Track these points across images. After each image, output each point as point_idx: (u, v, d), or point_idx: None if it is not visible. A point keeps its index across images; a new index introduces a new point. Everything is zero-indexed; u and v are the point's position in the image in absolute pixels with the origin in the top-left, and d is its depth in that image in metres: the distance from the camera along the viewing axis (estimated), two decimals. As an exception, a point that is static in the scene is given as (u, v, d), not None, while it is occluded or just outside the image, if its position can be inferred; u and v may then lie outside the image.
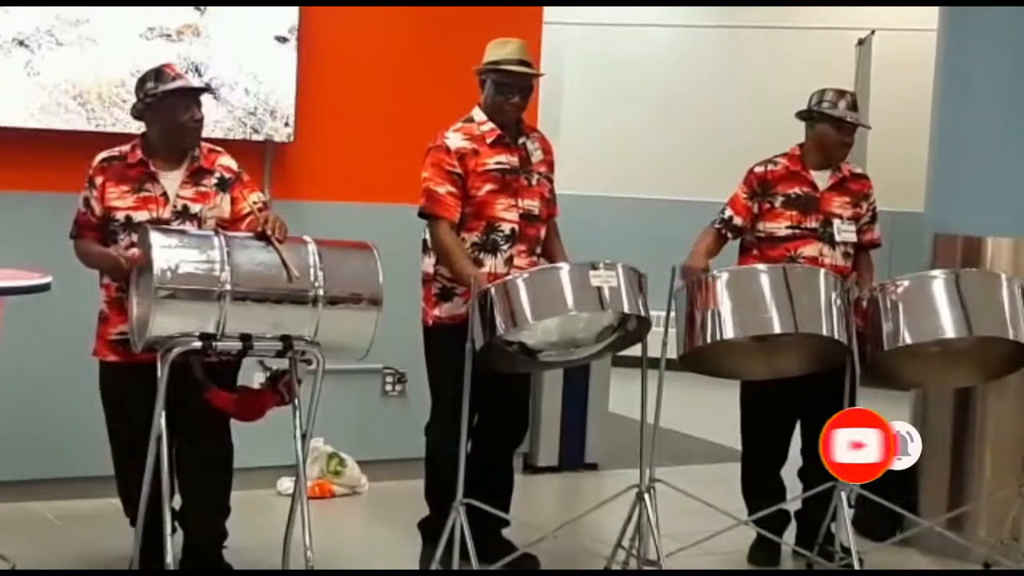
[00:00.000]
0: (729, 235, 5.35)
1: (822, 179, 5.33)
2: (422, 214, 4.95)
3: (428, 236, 4.97)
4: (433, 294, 4.97)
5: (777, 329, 4.83)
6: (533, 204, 5.00)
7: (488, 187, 4.92)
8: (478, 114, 5.02)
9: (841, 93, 5.34)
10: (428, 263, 5.00)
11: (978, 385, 5.47)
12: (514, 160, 4.98)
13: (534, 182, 5.02)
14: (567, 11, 9.60)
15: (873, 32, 9.19)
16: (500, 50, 4.97)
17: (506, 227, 4.93)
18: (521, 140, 5.04)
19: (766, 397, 5.32)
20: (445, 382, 4.97)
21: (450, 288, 4.92)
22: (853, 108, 5.30)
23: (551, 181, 5.13)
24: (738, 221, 5.33)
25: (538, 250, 5.03)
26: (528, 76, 4.98)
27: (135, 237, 4.50)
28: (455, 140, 4.95)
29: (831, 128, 5.29)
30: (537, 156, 5.07)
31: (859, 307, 4.98)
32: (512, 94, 4.94)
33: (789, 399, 5.33)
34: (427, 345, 5.07)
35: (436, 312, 4.97)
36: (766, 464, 5.45)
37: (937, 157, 5.89)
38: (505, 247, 4.92)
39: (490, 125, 4.97)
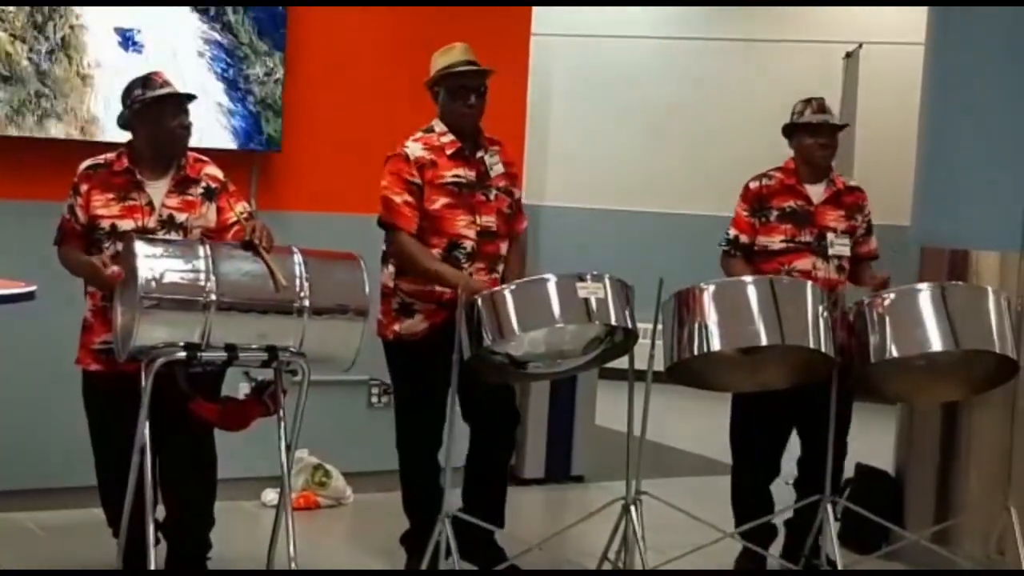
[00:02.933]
0: (738, 254, 5.34)
1: (816, 193, 5.34)
2: (380, 224, 4.92)
3: (387, 247, 4.93)
4: (393, 308, 4.94)
5: (764, 341, 4.82)
6: (491, 220, 4.96)
7: (443, 200, 4.87)
8: (438, 124, 4.98)
9: (807, 101, 5.37)
10: (387, 275, 4.95)
11: (964, 399, 5.47)
12: (471, 175, 4.94)
13: (492, 197, 4.98)
14: (555, 23, 9.62)
15: (860, 45, 9.21)
16: (445, 57, 4.95)
17: (467, 244, 4.90)
18: (480, 154, 4.99)
19: (757, 409, 5.30)
20: (409, 396, 4.97)
21: (409, 303, 4.90)
22: (820, 111, 5.33)
23: (512, 195, 5.07)
24: (744, 239, 5.33)
25: (499, 267, 4.99)
26: (481, 75, 4.93)
27: (120, 246, 4.48)
28: (415, 149, 4.92)
29: (805, 135, 5.33)
30: (497, 170, 5.02)
31: (844, 320, 4.98)
32: (468, 95, 4.91)
33: (781, 412, 5.31)
34: (389, 359, 5.05)
35: (396, 327, 4.93)
36: (756, 476, 5.44)
37: (924, 170, 5.90)
38: (466, 265, 4.88)
39: (450, 137, 4.94)
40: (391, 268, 4.94)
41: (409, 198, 4.86)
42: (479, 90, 4.93)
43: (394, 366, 5.05)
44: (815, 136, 5.31)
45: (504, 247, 5.01)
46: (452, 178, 4.90)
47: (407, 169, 4.88)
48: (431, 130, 4.97)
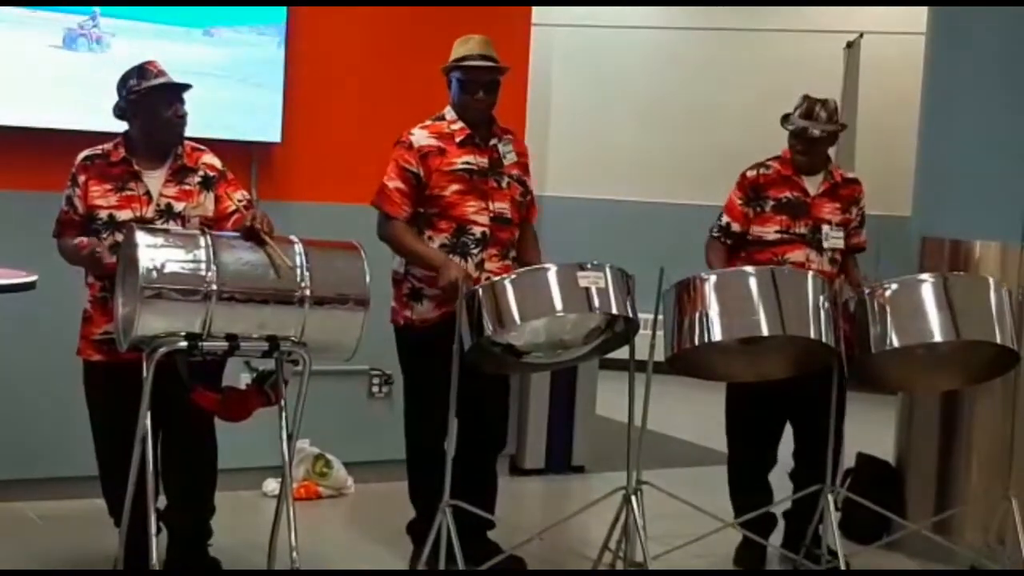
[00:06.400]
0: (728, 242, 5.34)
1: (813, 184, 5.34)
2: (374, 204, 4.97)
3: (377, 230, 4.95)
4: (404, 295, 4.96)
5: (764, 332, 4.81)
6: (504, 207, 4.97)
7: (454, 187, 4.89)
8: (449, 113, 4.99)
9: (805, 98, 5.34)
10: (398, 262, 4.98)
11: (964, 388, 5.47)
12: (483, 162, 4.95)
13: (504, 185, 4.98)
14: (555, 13, 9.61)
15: (861, 35, 9.20)
16: (462, 47, 4.95)
17: (477, 230, 4.90)
18: (492, 142, 5.00)
19: (751, 400, 5.32)
20: (417, 383, 4.97)
21: (419, 289, 4.91)
22: (805, 116, 5.29)
23: (524, 184, 5.08)
24: (736, 227, 5.33)
25: (512, 253, 4.99)
26: (491, 71, 4.92)
27: (119, 236, 4.48)
28: (420, 137, 4.93)
29: (789, 137, 5.34)
30: (510, 159, 5.03)
31: (845, 311, 4.98)
32: (476, 90, 4.91)
33: (775, 402, 5.32)
34: (399, 346, 5.06)
35: (407, 313, 4.96)
36: (751, 466, 5.45)
37: (924, 161, 5.89)
38: (475, 251, 4.89)
39: (460, 124, 4.95)
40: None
41: (401, 185, 4.89)
42: (488, 85, 4.93)
43: (403, 353, 5.05)
44: (795, 138, 5.32)
45: (516, 234, 5.02)
46: (463, 165, 4.91)
47: (405, 156, 4.91)
48: (441, 118, 4.98)
